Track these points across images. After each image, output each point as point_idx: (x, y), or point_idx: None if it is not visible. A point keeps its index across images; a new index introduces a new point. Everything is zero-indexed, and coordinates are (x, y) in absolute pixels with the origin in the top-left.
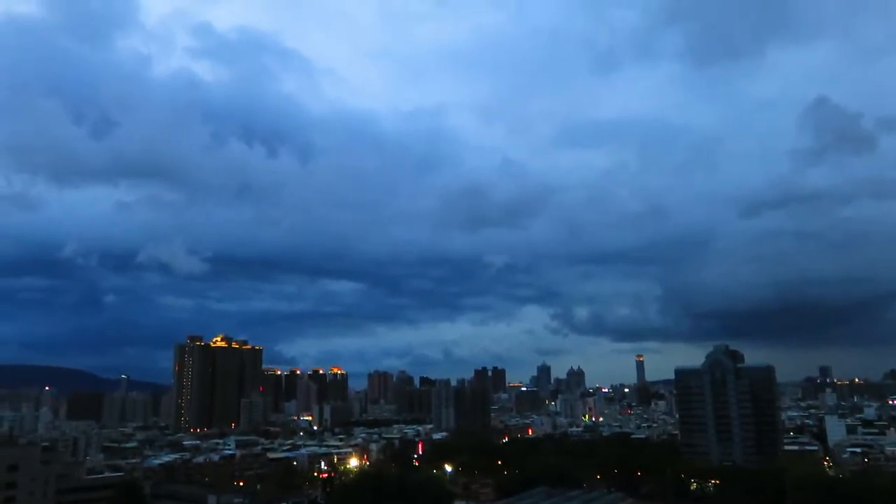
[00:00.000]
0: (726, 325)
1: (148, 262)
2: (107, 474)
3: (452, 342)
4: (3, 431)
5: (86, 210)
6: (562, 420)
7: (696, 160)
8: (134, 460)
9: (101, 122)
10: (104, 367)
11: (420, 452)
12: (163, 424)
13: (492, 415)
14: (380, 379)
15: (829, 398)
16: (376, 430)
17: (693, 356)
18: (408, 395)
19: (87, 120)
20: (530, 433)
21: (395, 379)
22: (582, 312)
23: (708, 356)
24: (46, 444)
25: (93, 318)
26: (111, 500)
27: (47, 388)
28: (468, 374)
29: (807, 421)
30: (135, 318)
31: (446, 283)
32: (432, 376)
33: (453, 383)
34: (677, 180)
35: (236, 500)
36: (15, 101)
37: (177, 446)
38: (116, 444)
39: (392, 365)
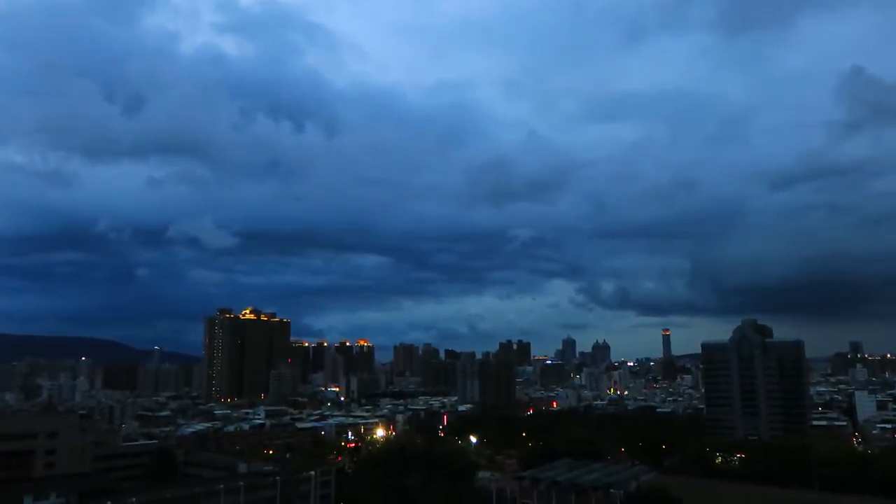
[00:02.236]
0: (755, 300)
1: (178, 237)
2: (141, 442)
3: (477, 316)
4: (43, 400)
5: (118, 186)
6: (586, 393)
7: (727, 133)
8: (167, 429)
9: (131, 100)
10: (137, 338)
11: (445, 424)
12: (194, 394)
13: (516, 388)
14: (405, 351)
15: (860, 374)
16: (402, 401)
17: (720, 331)
18: (433, 367)
19: (118, 98)
20: (555, 406)
21: (420, 352)
22: (608, 286)
23: (735, 331)
24: (84, 412)
25: (126, 291)
26: (146, 467)
27: (83, 358)
28: (493, 348)
29: (836, 396)
30: (166, 291)
31: (472, 257)
32: (457, 349)
33: (478, 356)
34: (707, 153)
35: (266, 469)
36: (49, 81)
37: (208, 416)
38: (150, 413)
39: (418, 338)
